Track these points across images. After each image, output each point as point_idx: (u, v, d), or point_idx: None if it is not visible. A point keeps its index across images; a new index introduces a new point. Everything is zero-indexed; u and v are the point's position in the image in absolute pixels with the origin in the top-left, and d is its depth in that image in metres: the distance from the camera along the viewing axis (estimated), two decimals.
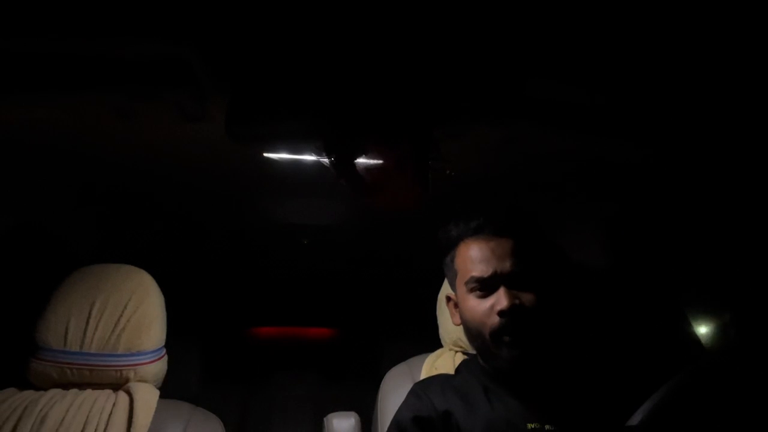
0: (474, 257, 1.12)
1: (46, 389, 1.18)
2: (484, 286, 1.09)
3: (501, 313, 1.04)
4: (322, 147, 0.96)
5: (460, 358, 1.40)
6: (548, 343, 1.09)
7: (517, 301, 1.04)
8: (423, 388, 1.16)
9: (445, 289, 1.49)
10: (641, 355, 1.37)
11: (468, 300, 1.11)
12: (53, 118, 1.21)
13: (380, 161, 0.99)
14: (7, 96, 1.05)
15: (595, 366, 1.17)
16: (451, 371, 1.30)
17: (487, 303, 1.07)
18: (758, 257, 1.28)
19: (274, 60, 0.94)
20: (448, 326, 1.45)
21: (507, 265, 1.08)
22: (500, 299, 1.05)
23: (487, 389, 1.10)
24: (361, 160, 0.98)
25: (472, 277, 1.10)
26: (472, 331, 1.12)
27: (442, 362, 1.43)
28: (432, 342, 1.54)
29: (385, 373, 1.53)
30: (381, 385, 1.49)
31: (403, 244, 2.46)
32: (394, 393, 1.40)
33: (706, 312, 1.39)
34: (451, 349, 1.47)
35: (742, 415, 0.77)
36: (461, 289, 1.14)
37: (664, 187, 1.45)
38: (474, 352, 1.35)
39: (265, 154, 1.35)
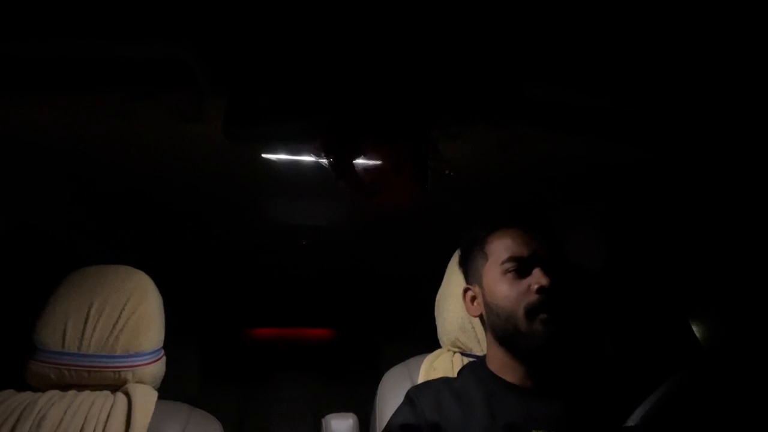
0: (510, 241, 1.17)
1: (44, 390, 1.18)
2: (521, 267, 1.13)
3: (540, 290, 1.07)
4: (321, 148, 0.96)
5: (458, 358, 1.39)
6: (577, 330, 1.12)
7: (551, 282, 1.08)
8: (417, 394, 1.15)
9: (444, 289, 1.48)
10: (643, 358, 1.37)
11: (502, 282, 1.14)
12: (52, 119, 1.21)
13: (379, 162, 0.99)
14: (6, 97, 1.05)
15: (598, 370, 1.18)
16: (450, 372, 1.30)
17: (524, 283, 1.11)
18: (756, 258, 1.28)
19: (272, 61, 0.94)
20: (447, 326, 1.45)
21: (541, 249, 1.14)
22: (539, 278, 1.09)
23: (490, 395, 1.09)
24: (360, 161, 0.98)
25: (511, 257, 1.14)
26: (505, 313, 1.12)
27: (441, 363, 1.43)
28: (430, 342, 1.53)
29: (383, 374, 1.53)
30: (379, 386, 1.49)
31: (402, 244, 2.46)
32: (392, 394, 1.40)
33: (706, 313, 1.39)
34: (449, 350, 1.46)
35: (739, 416, 0.77)
36: (493, 272, 1.17)
37: (662, 188, 1.46)
38: (472, 352, 1.36)
39: (264, 155, 1.35)
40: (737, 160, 1.21)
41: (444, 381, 1.20)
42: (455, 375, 1.25)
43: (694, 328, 1.41)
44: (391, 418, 1.15)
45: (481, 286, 1.20)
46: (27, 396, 1.17)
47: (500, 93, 0.99)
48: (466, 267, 1.28)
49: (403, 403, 1.17)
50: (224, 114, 0.98)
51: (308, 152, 1.20)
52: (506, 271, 1.14)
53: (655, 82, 0.99)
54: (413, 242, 2.35)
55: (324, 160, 0.96)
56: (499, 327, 1.14)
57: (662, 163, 1.31)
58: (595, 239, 1.65)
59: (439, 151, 0.97)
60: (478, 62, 0.93)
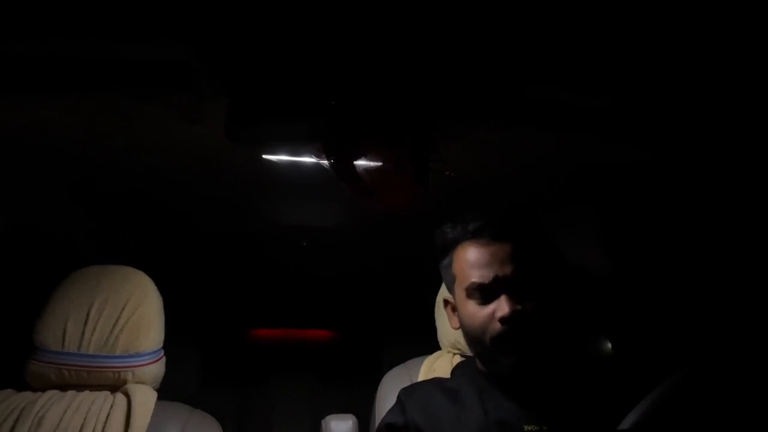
0: (473, 262, 1.09)
1: (43, 390, 1.18)
2: (485, 293, 1.06)
3: (502, 320, 1.02)
4: (322, 149, 0.96)
5: (458, 360, 1.39)
6: (549, 349, 1.08)
7: (518, 308, 1.02)
8: (406, 395, 1.15)
9: (444, 292, 1.48)
10: (638, 356, 1.37)
11: (467, 305, 1.09)
12: (53, 120, 1.21)
13: (380, 163, 0.99)
14: (8, 97, 1.05)
15: (592, 367, 1.17)
16: (449, 374, 1.30)
17: (488, 309, 1.05)
18: (756, 259, 1.28)
19: (273, 62, 0.94)
20: (446, 329, 1.45)
21: (508, 271, 1.05)
22: (501, 305, 1.03)
23: (482, 392, 1.09)
24: (361, 162, 0.98)
25: (473, 283, 1.07)
26: (471, 337, 1.10)
27: (440, 364, 1.43)
28: (430, 344, 1.53)
29: (383, 376, 1.53)
30: (379, 388, 1.49)
31: (402, 246, 2.46)
32: (391, 395, 1.39)
33: (703, 314, 1.39)
34: (449, 352, 1.46)
35: (735, 417, 0.77)
36: (460, 294, 1.11)
37: (662, 188, 1.45)
38: (471, 355, 1.36)
39: (265, 156, 1.35)
40: (738, 160, 1.21)
41: (436, 381, 1.20)
42: None
43: (691, 330, 1.41)
44: (382, 418, 1.15)
45: (455, 303, 1.16)
46: (26, 396, 1.17)
47: (500, 94, 0.99)
48: (443, 278, 1.23)
49: (394, 404, 1.17)
50: (225, 115, 0.99)
51: (309, 153, 1.20)
52: (470, 296, 1.08)
53: (655, 82, 0.99)
54: (413, 243, 2.34)
55: (325, 161, 0.96)
56: (471, 346, 1.13)
57: (662, 163, 1.31)
58: (594, 240, 1.64)
59: (439, 152, 0.97)
60: (478, 63, 0.93)
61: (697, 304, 1.40)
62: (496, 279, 1.05)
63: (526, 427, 1.01)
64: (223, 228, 2.33)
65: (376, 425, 1.41)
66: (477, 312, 1.06)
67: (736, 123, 1.09)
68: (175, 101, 1.09)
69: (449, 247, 1.17)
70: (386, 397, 1.44)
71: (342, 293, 3.11)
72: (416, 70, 0.91)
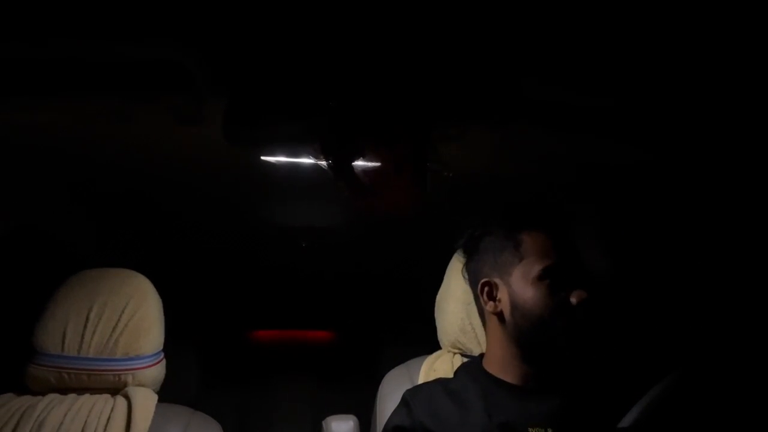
0: (549, 247, 1.11)
1: (44, 394, 1.18)
2: (559, 277, 1.08)
3: (580, 309, 1.05)
4: (320, 150, 0.96)
5: (458, 359, 1.39)
6: (598, 344, 1.11)
7: (588, 297, 1.06)
8: (412, 396, 1.15)
9: (444, 290, 1.48)
10: (640, 358, 1.37)
11: (537, 288, 1.08)
12: (51, 121, 1.21)
13: (378, 164, 0.98)
14: (6, 99, 1.05)
15: (596, 369, 1.17)
16: (450, 373, 1.30)
17: (562, 296, 1.07)
18: (756, 258, 1.28)
19: (271, 63, 0.94)
20: (447, 328, 1.44)
21: (575, 262, 1.10)
22: (579, 293, 1.06)
23: (487, 394, 1.09)
24: (359, 163, 0.98)
25: (551, 266, 1.08)
26: (536, 321, 1.08)
27: (441, 364, 1.43)
28: (430, 344, 1.53)
29: (383, 376, 1.53)
30: (379, 388, 1.49)
31: (402, 246, 2.46)
32: (392, 396, 1.40)
33: (703, 314, 1.39)
34: (449, 351, 1.46)
35: (733, 416, 0.77)
36: (527, 274, 1.10)
37: (663, 189, 1.46)
38: (473, 353, 1.36)
39: (263, 157, 1.35)
40: (738, 160, 1.21)
41: (440, 382, 1.19)
42: None
43: (692, 330, 1.41)
44: (387, 420, 1.15)
45: (508, 284, 1.13)
46: (26, 400, 1.16)
47: (499, 93, 0.99)
48: (485, 257, 1.19)
49: (398, 405, 1.16)
50: (223, 116, 0.98)
51: (307, 154, 1.20)
52: (542, 278, 1.08)
53: (656, 82, 0.99)
54: (413, 244, 2.35)
55: (323, 162, 0.96)
56: (526, 331, 1.10)
57: (662, 163, 1.31)
58: (594, 240, 1.65)
59: (438, 153, 0.97)
60: (477, 63, 0.93)
61: (697, 303, 1.40)
62: (569, 267, 1.09)
63: (530, 430, 1.01)
64: (222, 229, 2.33)
65: (377, 426, 1.41)
66: (549, 296, 1.07)
67: (736, 123, 1.09)
68: (174, 102, 1.08)
69: (516, 228, 1.16)
70: (387, 397, 1.43)
71: (342, 294, 3.11)
72: (415, 70, 0.91)
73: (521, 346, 1.11)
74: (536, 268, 1.09)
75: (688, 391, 0.78)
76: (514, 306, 1.11)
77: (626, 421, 0.79)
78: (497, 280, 1.15)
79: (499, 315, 1.14)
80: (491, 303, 1.15)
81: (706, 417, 0.77)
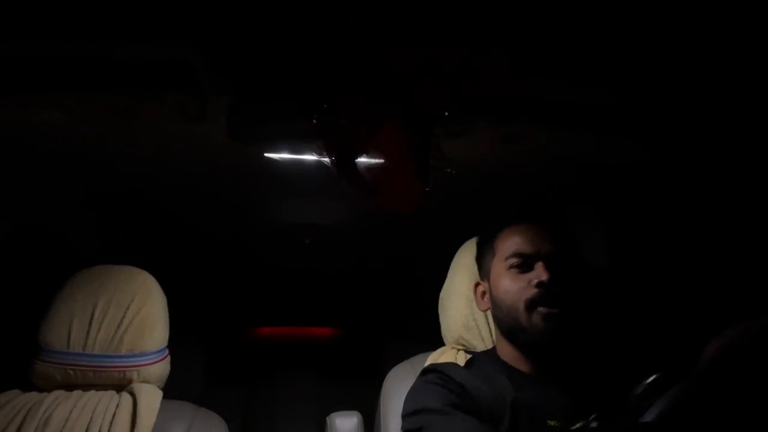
0: (518, 237, 1.17)
1: (49, 391, 1.19)
2: (524, 262, 1.13)
3: (539, 284, 1.08)
4: (324, 147, 0.96)
5: (462, 356, 1.39)
6: (578, 324, 1.11)
7: (554, 276, 1.09)
8: (434, 368, 1.16)
9: (448, 287, 1.48)
10: (647, 352, 1.37)
11: (505, 276, 1.15)
12: (56, 120, 1.21)
13: (381, 161, 0.98)
14: (9, 98, 1.05)
15: (606, 361, 1.17)
16: None
17: (525, 278, 1.12)
18: (757, 258, 1.28)
19: (275, 60, 0.94)
20: (451, 324, 1.45)
21: (547, 247, 1.13)
22: (539, 272, 1.10)
23: (511, 381, 1.09)
24: (362, 160, 0.98)
25: (515, 252, 1.15)
26: (505, 308, 1.14)
27: (445, 360, 1.43)
28: (434, 340, 1.53)
29: (387, 372, 1.53)
30: (383, 384, 1.49)
31: (405, 242, 2.46)
32: (396, 392, 1.40)
33: (701, 311, 1.39)
34: (453, 348, 1.46)
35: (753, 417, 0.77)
36: (499, 267, 1.18)
37: (662, 188, 1.45)
38: (476, 350, 1.36)
39: (267, 154, 1.35)
40: (738, 160, 1.21)
41: (456, 365, 1.20)
42: None
43: (692, 325, 1.41)
44: (424, 399, 1.08)
45: (489, 282, 1.22)
46: (32, 396, 1.17)
47: (503, 91, 0.99)
48: (479, 263, 1.30)
49: (423, 375, 1.15)
50: (227, 113, 0.99)
51: (311, 151, 1.20)
52: (510, 266, 1.15)
53: (658, 80, 0.98)
54: (417, 240, 2.35)
55: (326, 159, 0.96)
56: (503, 321, 1.16)
57: (662, 162, 1.31)
58: (595, 238, 1.64)
59: (440, 150, 0.97)
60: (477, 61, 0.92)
61: (695, 301, 1.40)
62: (536, 250, 1.13)
63: (549, 422, 1.01)
64: (227, 226, 2.33)
65: (381, 422, 1.42)
66: (514, 281, 1.13)
67: (736, 123, 1.09)
68: (178, 101, 1.09)
69: (498, 228, 1.24)
70: (391, 393, 1.44)
71: (345, 290, 3.12)
72: (417, 67, 0.91)
73: (507, 336, 1.17)
74: (503, 259, 1.17)
75: (713, 387, 0.77)
76: (493, 299, 1.20)
77: (650, 416, 0.78)
78: (485, 281, 1.25)
79: (491, 312, 1.23)
80: (481, 302, 1.25)
81: (731, 413, 0.76)
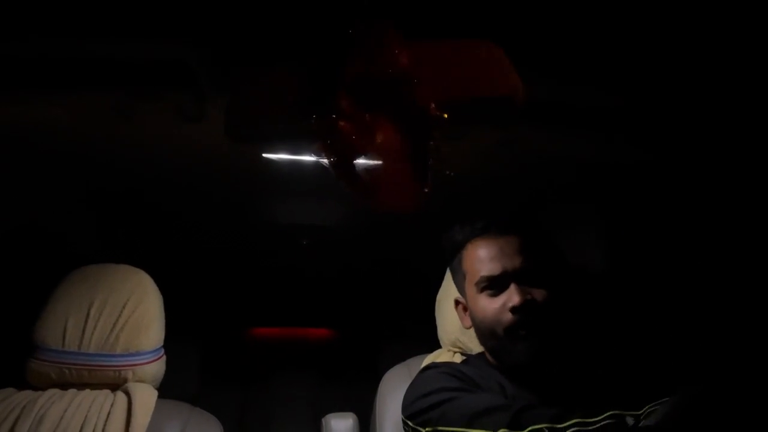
0: (482, 257, 1.11)
1: (44, 389, 1.18)
2: (495, 285, 1.08)
3: (513, 310, 1.04)
4: (322, 147, 0.95)
5: (458, 358, 1.40)
6: (562, 338, 1.08)
7: (528, 297, 1.04)
8: (436, 364, 1.16)
9: (445, 290, 1.48)
10: (645, 353, 1.37)
11: (479, 300, 1.11)
12: (53, 119, 1.21)
13: (380, 162, 0.98)
14: (9, 96, 1.05)
15: (600, 363, 1.17)
16: None
17: (499, 301, 1.07)
18: (756, 260, 1.28)
19: (273, 60, 0.94)
20: (447, 327, 1.45)
21: (516, 262, 1.08)
22: (512, 296, 1.05)
23: (505, 379, 1.09)
24: (361, 161, 0.98)
25: (483, 277, 1.09)
26: (484, 331, 1.11)
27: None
28: (431, 343, 1.53)
29: (383, 374, 1.53)
30: (379, 386, 1.49)
31: (402, 244, 2.46)
32: (392, 394, 1.40)
33: (702, 313, 1.39)
34: (449, 350, 1.46)
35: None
36: (471, 290, 1.13)
37: (662, 188, 1.45)
38: (473, 353, 1.36)
39: (265, 155, 1.34)
40: (738, 161, 1.21)
41: (455, 363, 1.20)
42: None
43: (692, 327, 1.41)
44: (436, 381, 1.07)
45: (467, 301, 1.18)
46: (27, 395, 1.17)
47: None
48: (453, 279, 1.26)
49: (424, 371, 1.14)
50: (225, 113, 0.98)
51: (309, 152, 1.20)
52: (482, 290, 1.10)
53: (656, 81, 0.99)
54: (414, 242, 2.35)
55: (324, 160, 0.96)
56: (486, 343, 1.14)
57: (662, 163, 1.31)
58: (594, 241, 1.64)
59: (440, 151, 0.96)
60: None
61: (696, 303, 1.40)
62: (505, 270, 1.08)
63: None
64: (223, 226, 2.33)
65: (377, 424, 1.42)
66: (488, 305, 1.08)
67: (736, 123, 1.09)
68: (176, 100, 1.09)
69: (458, 247, 1.19)
70: (387, 395, 1.44)
71: (342, 291, 3.12)
72: (417, 69, 0.91)
73: (493, 356, 1.14)
74: (473, 284, 1.12)
75: (716, 395, 0.77)
76: (473, 322, 1.16)
77: (650, 421, 0.78)
78: (462, 299, 1.20)
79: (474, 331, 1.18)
80: (464, 318, 1.21)
81: (732, 422, 0.76)
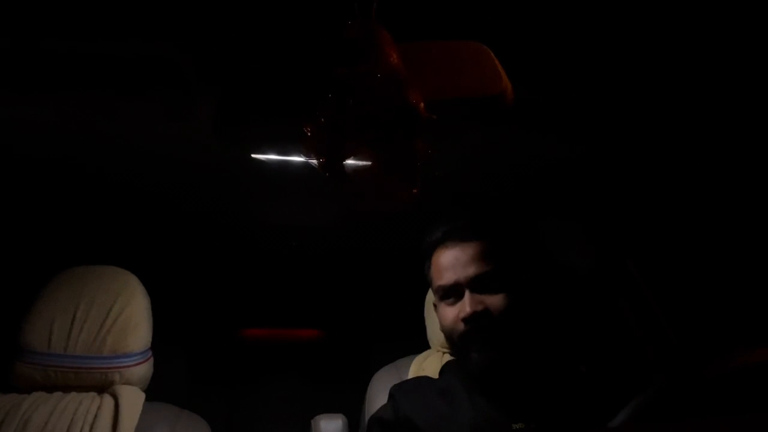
0: (441, 266, 1.12)
1: (29, 392, 1.17)
2: (450, 294, 1.09)
3: (464, 320, 1.04)
4: (311, 148, 0.95)
5: (447, 359, 1.40)
6: (522, 344, 1.08)
7: (480, 307, 1.04)
8: (398, 390, 1.16)
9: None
10: (620, 353, 1.38)
11: (440, 308, 1.13)
12: (38, 116, 1.20)
13: (369, 162, 0.98)
14: None
15: (576, 364, 1.17)
16: (438, 373, 1.31)
17: (455, 310, 1.08)
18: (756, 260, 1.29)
19: (262, 60, 0.94)
20: (436, 328, 1.45)
21: (470, 271, 1.07)
22: (463, 306, 1.05)
23: (472, 390, 1.09)
24: (350, 162, 0.98)
25: (438, 287, 1.12)
26: (446, 338, 1.14)
27: (430, 363, 1.43)
28: (420, 343, 1.54)
29: (372, 375, 1.53)
30: (368, 387, 1.49)
31: (391, 245, 2.46)
32: (381, 394, 1.40)
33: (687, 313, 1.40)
34: (438, 351, 1.47)
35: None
36: (435, 297, 1.16)
37: (654, 193, 1.47)
38: None
39: (254, 155, 1.34)
40: (737, 161, 1.22)
41: (427, 379, 1.21)
42: None
43: (675, 328, 1.42)
44: (372, 414, 1.17)
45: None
46: (12, 398, 1.15)
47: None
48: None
49: (387, 401, 1.18)
50: (214, 113, 0.98)
51: (298, 152, 1.20)
52: (441, 299, 1.12)
53: (655, 81, 0.99)
54: (403, 243, 2.35)
55: (313, 161, 0.96)
56: (449, 346, 1.16)
57: (656, 168, 1.32)
58: (578, 247, 1.66)
59: (428, 152, 0.97)
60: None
61: (680, 304, 1.41)
62: (457, 280, 1.08)
63: (514, 426, 1.02)
64: (212, 227, 2.32)
65: (366, 424, 1.42)
66: (447, 313, 1.10)
67: (735, 123, 1.10)
68: (164, 100, 1.08)
69: (426, 255, 1.20)
70: (376, 396, 1.44)
71: (331, 293, 3.11)
72: (406, 71, 0.91)
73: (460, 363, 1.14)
74: (436, 291, 1.14)
75: (681, 393, 0.78)
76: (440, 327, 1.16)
77: (616, 421, 0.79)
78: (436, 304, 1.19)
79: None
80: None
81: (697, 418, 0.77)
